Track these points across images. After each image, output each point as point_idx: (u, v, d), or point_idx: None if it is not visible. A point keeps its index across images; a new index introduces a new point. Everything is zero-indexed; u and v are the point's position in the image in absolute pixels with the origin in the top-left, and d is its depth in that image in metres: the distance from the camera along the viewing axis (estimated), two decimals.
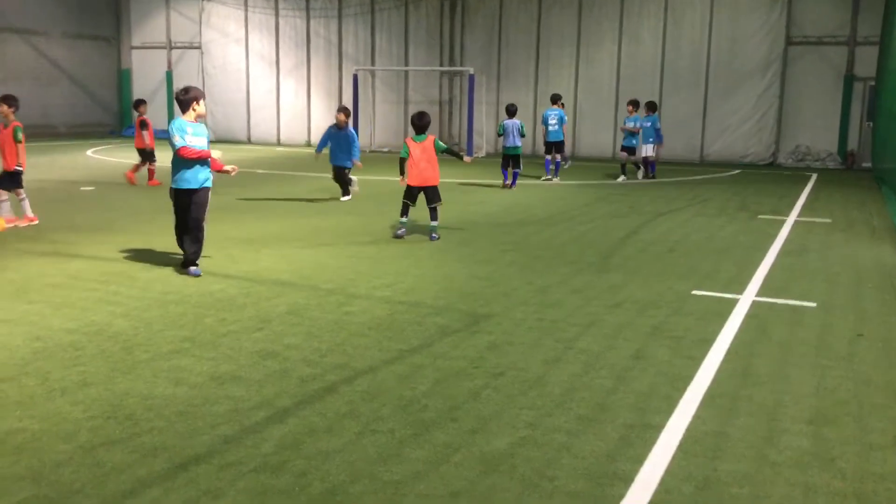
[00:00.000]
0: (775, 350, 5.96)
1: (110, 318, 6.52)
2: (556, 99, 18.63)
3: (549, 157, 18.34)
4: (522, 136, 16.70)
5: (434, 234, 10.49)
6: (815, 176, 20.55)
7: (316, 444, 4.21)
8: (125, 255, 9.08)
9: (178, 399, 4.80)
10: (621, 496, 3.71)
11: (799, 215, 13.27)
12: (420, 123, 10.49)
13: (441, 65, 27.46)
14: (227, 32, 30.49)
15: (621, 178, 18.65)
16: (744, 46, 23.70)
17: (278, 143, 29.76)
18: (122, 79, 33.00)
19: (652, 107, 19.00)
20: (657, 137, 18.78)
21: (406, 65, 27.96)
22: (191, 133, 8.05)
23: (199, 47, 31.07)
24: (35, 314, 6.58)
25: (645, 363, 5.61)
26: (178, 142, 7.94)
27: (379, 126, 28.06)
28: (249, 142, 30.08)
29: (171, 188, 8.18)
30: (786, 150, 23.80)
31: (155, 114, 32.29)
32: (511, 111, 16.81)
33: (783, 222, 12.41)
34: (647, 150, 18.85)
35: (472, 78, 24.61)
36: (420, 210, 10.79)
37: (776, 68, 23.41)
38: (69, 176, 17.61)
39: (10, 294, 7.24)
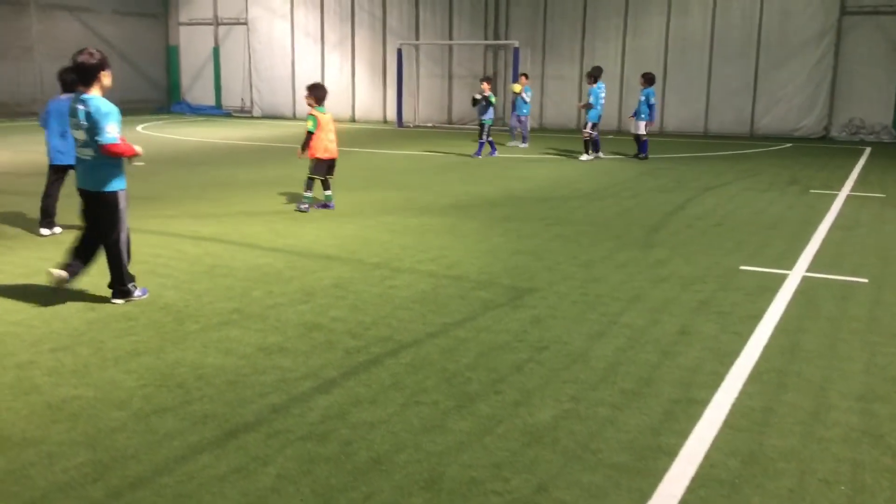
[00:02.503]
0: (825, 326, 5.86)
1: (161, 289, 6.66)
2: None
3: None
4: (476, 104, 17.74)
5: (331, 203, 10.73)
6: (868, 150, 20.03)
7: (361, 414, 4.27)
8: (174, 228, 9.25)
9: (227, 369, 4.90)
10: (665, 469, 3.70)
11: (852, 190, 12.96)
12: (322, 95, 10.52)
13: (485, 38, 27.24)
14: (272, 8, 30.59)
15: (584, 157, 17.10)
16: (797, 16, 23.07)
17: None
18: (170, 55, 33.39)
19: (650, 79, 17.26)
20: (650, 114, 17.15)
21: (450, 38, 27.80)
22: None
23: (245, 23, 31.25)
24: (87, 285, 6.74)
25: (690, 338, 5.56)
26: (115, 134, 5.96)
27: (423, 100, 28.01)
28: (294, 117, 30.26)
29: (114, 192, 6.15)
30: (839, 123, 23.21)
31: (204, 91, 32.83)
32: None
33: (835, 197, 12.14)
34: (639, 128, 17.18)
35: (516, 51, 24.38)
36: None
37: (830, 39, 22.77)
38: None
39: None
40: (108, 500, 3.38)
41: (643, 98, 17.15)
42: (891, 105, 22.54)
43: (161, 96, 33.27)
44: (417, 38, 28.10)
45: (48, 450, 3.83)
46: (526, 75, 20.49)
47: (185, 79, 33.30)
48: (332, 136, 10.56)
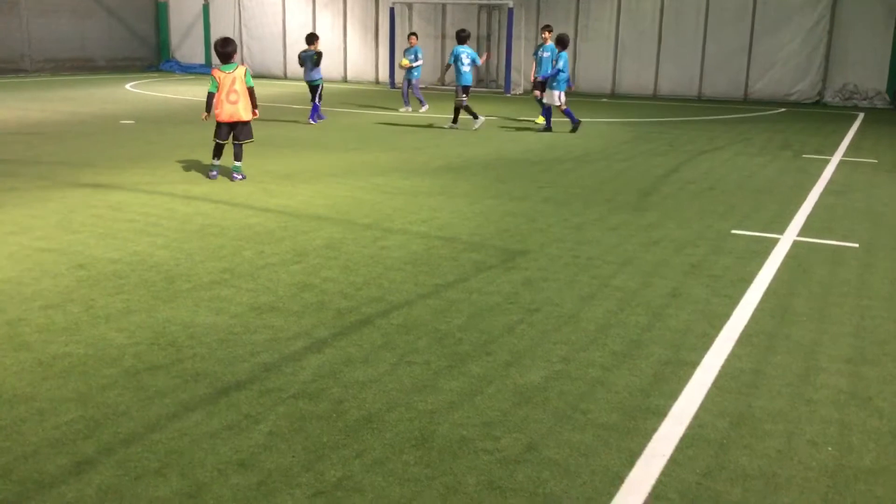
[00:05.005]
0: (815, 290, 5.89)
1: (151, 248, 6.63)
2: (465, 38, 15.73)
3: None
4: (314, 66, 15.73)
5: (237, 174, 9.68)
6: (861, 115, 20.00)
7: (352, 373, 4.28)
8: (165, 187, 9.18)
9: (218, 327, 4.90)
10: (654, 429, 3.73)
11: (844, 155, 12.96)
12: (224, 51, 9.46)
13: None
14: None
15: (448, 125, 15.51)
16: None
17: None
18: (160, 12, 32.87)
19: (564, 42, 14.63)
20: (568, 80, 14.94)
21: None
22: None
23: None
24: (79, 244, 6.71)
25: (681, 301, 5.58)
26: None
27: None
28: (285, 77, 29.95)
29: None
30: (833, 88, 23.12)
31: (193, 49, 32.41)
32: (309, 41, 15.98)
33: (827, 162, 12.14)
34: (554, 98, 14.82)
35: (510, 12, 24.12)
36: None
37: (826, 3, 22.59)
38: (109, 109, 17.74)
39: (55, 224, 7.38)
40: (99, 457, 3.39)
41: (560, 64, 14.60)
42: (885, 71, 22.45)
43: (150, 54, 32.80)
44: None
45: (39, 406, 3.83)
46: (415, 34, 18.56)
47: (175, 36, 32.81)
48: (234, 98, 9.48)
